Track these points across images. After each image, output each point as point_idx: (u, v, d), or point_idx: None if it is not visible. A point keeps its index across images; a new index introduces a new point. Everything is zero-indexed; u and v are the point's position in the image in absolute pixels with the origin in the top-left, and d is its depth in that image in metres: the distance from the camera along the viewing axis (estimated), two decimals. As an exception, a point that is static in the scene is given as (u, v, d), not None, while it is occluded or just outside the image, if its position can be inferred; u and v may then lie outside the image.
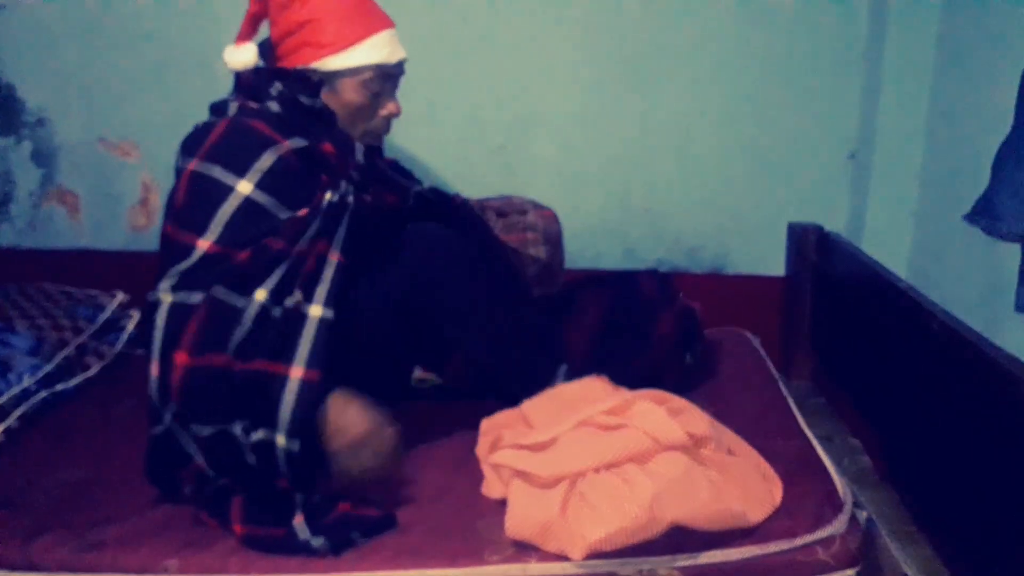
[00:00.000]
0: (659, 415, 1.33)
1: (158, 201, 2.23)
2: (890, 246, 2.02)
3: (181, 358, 1.25)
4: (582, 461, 1.29)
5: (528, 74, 2.13)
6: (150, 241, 2.24)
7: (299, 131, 1.41)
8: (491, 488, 1.39)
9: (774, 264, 2.21)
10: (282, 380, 1.26)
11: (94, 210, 2.25)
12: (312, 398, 1.26)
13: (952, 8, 1.85)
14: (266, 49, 1.48)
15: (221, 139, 1.36)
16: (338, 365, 1.31)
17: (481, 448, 1.48)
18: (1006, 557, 1.23)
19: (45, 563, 1.25)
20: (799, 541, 1.25)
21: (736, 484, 1.30)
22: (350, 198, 1.43)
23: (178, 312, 1.28)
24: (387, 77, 1.49)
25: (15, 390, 1.65)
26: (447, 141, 2.17)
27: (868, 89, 2.06)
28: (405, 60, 1.50)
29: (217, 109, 1.48)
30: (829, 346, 2.07)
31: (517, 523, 1.25)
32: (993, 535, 1.27)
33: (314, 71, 1.44)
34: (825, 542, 1.25)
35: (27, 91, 2.18)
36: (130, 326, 2.02)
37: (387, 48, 1.46)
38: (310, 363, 1.27)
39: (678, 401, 1.39)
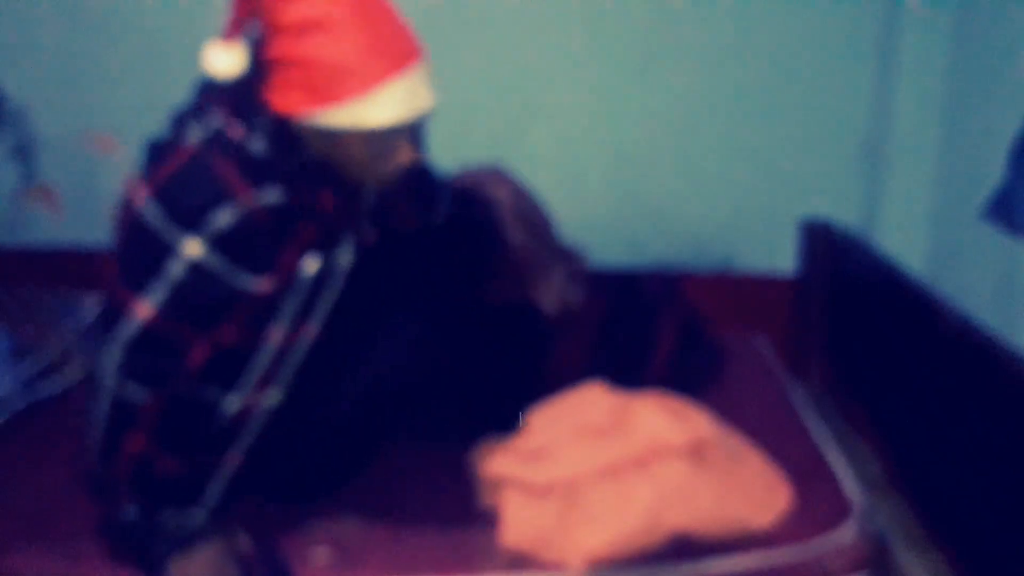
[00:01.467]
0: (660, 419, 1.33)
1: (144, 197, 2.23)
2: (904, 243, 2.01)
3: (132, 447, 1.16)
4: (580, 467, 1.29)
5: (532, 69, 2.13)
6: (136, 239, 2.25)
7: (285, 178, 1.17)
8: (486, 497, 1.39)
9: (783, 261, 2.21)
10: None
11: (77, 206, 2.25)
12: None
13: (967, 2, 1.84)
14: (257, 52, 1.17)
15: (175, 178, 1.13)
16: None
17: (475, 455, 1.48)
18: (1018, 565, 1.23)
19: (25, 572, 1.25)
20: (806, 547, 1.25)
21: (740, 489, 1.30)
22: (348, 258, 1.26)
23: (123, 409, 1.15)
24: (407, 130, 1.18)
25: (-4, 394, 1.65)
26: (447, 136, 2.16)
27: (882, 82, 2.05)
28: (431, 107, 1.19)
29: (180, 122, 1.21)
30: (841, 348, 2.06)
31: (514, 532, 1.25)
32: (1006, 543, 1.27)
33: (310, 123, 1.14)
34: (833, 547, 1.25)
35: (8, 85, 2.18)
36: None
37: (408, 99, 1.13)
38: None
39: (680, 404, 1.39)
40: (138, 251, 1.14)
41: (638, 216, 2.22)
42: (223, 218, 1.11)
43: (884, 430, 1.77)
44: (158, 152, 1.19)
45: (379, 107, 1.11)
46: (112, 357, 1.13)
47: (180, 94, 2.12)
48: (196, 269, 1.12)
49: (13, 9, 2.12)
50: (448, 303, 1.39)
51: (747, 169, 2.17)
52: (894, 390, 1.71)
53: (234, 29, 1.16)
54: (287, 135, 1.15)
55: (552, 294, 1.83)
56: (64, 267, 2.20)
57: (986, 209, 1.33)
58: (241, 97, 1.15)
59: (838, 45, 2.07)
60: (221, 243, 1.12)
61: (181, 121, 1.20)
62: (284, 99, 1.13)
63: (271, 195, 1.16)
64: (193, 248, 1.11)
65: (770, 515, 1.30)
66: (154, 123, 2.13)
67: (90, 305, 1.99)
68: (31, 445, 1.60)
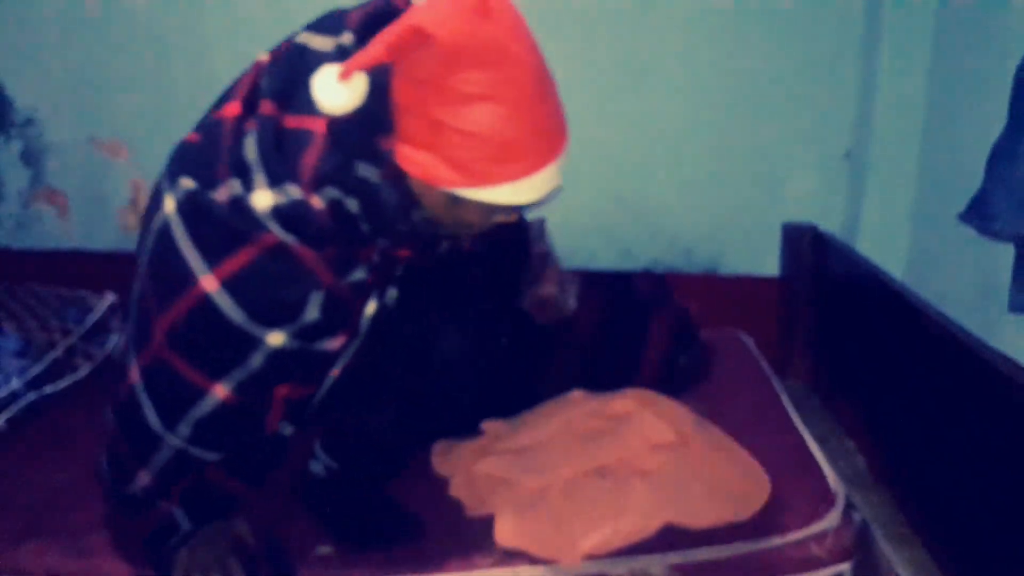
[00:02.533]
0: (646, 416, 1.33)
1: (148, 201, 2.22)
2: (885, 246, 2.02)
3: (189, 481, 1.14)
4: (571, 465, 1.29)
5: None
6: (140, 241, 2.24)
7: (366, 244, 1.05)
8: (472, 504, 1.37)
9: (769, 264, 2.21)
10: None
11: (83, 210, 2.24)
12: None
13: (947, 8, 1.85)
14: (377, 85, 0.94)
15: (252, 273, 0.98)
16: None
17: (442, 467, 1.46)
18: (1000, 559, 1.23)
19: (33, 568, 1.24)
20: (792, 536, 1.26)
21: (725, 480, 1.30)
22: (394, 294, 1.17)
23: (188, 460, 1.11)
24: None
25: (2, 392, 1.64)
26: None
27: (864, 89, 2.06)
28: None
29: (240, 169, 0.99)
30: (824, 347, 2.07)
31: (507, 531, 1.25)
32: (987, 537, 1.27)
33: (439, 190, 0.98)
34: (818, 537, 1.26)
35: (16, 90, 2.17)
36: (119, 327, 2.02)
37: (552, 180, 1.01)
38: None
39: (663, 400, 1.40)
40: (212, 337, 1.01)
41: (627, 221, 2.22)
42: (311, 312, 1.01)
43: (867, 426, 1.78)
44: (213, 222, 0.99)
45: (528, 189, 0.99)
46: (182, 430, 1.07)
47: (183, 101, 2.13)
48: (279, 354, 1.03)
49: (21, 17, 2.11)
50: (486, 312, 1.30)
51: (734, 175, 2.17)
52: (876, 387, 1.72)
53: (365, 63, 0.92)
54: (391, 216, 1.01)
55: (546, 303, 1.84)
56: (70, 269, 2.19)
57: (965, 211, 1.34)
58: (345, 143, 0.97)
59: (821, 56, 2.08)
60: (301, 333, 1.03)
61: (240, 158, 0.99)
62: (420, 167, 0.96)
63: (357, 274, 1.05)
64: (277, 340, 1.02)
65: (754, 506, 1.30)
66: (158, 130, 2.14)
67: (95, 306, 1.98)
68: (37, 443, 1.59)
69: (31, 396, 1.70)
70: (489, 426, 1.45)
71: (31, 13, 2.10)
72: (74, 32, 2.11)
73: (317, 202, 0.97)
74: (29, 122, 2.18)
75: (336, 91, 0.92)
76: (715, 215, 2.20)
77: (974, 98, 1.72)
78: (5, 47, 2.14)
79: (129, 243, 2.23)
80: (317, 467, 1.34)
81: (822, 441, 1.73)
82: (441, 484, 1.43)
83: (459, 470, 1.42)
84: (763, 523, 1.28)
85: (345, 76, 0.91)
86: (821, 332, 2.08)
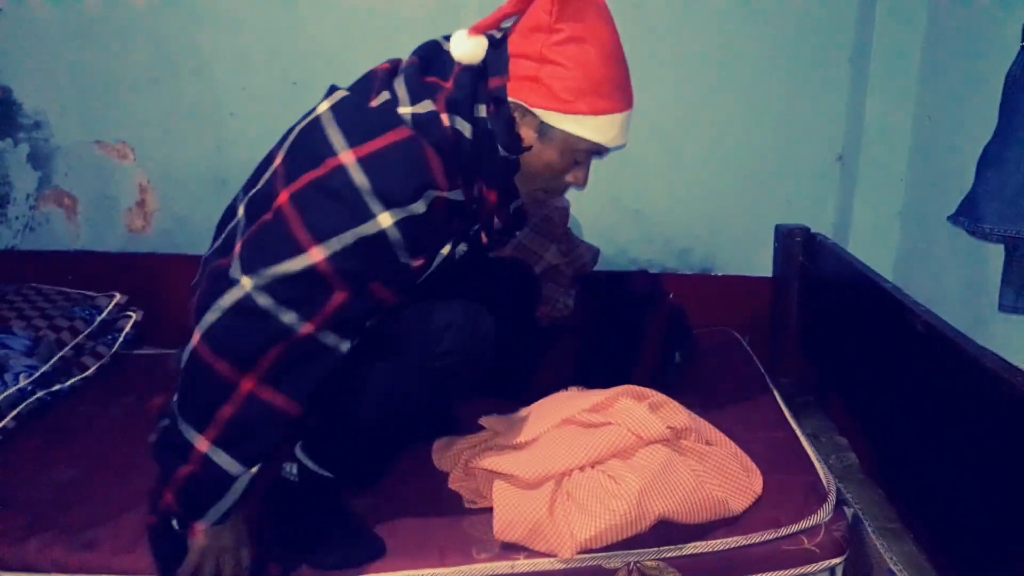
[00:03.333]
0: (640, 411, 1.32)
1: (155, 203, 2.22)
2: (876, 247, 2.02)
3: (247, 384, 1.13)
4: (567, 460, 1.28)
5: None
6: (147, 243, 2.23)
7: (468, 174, 1.22)
8: (470, 498, 1.37)
9: (762, 265, 2.21)
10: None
11: (91, 212, 2.24)
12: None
13: (938, 14, 1.85)
14: (495, 44, 1.22)
15: (388, 153, 1.14)
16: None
17: (441, 461, 1.46)
18: (989, 552, 1.23)
19: (39, 563, 1.24)
20: (784, 531, 1.25)
21: (716, 473, 1.30)
22: (464, 247, 1.30)
23: (262, 322, 1.12)
24: (597, 153, 1.27)
25: (11, 390, 1.64)
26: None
27: (855, 93, 2.05)
28: (623, 146, 1.28)
29: (390, 87, 1.21)
30: (816, 346, 2.06)
31: (505, 525, 1.25)
32: (977, 531, 1.27)
33: (533, 116, 1.20)
34: (810, 531, 1.25)
35: (24, 94, 2.17)
36: (127, 327, 2.01)
37: (618, 131, 1.23)
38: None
39: (657, 396, 1.39)
40: (332, 201, 1.13)
41: (624, 223, 2.21)
42: (420, 206, 1.15)
43: (859, 423, 1.77)
44: (374, 119, 1.17)
45: (608, 128, 1.22)
46: (264, 277, 1.11)
47: (189, 105, 2.13)
48: (380, 238, 1.13)
49: (28, 22, 2.10)
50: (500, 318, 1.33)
51: (728, 178, 2.17)
52: (867, 385, 1.72)
53: (491, 23, 1.21)
54: (496, 140, 1.20)
55: (546, 303, 1.84)
56: (78, 270, 2.18)
57: (955, 213, 1.33)
58: (473, 85, 1.19)
59: (814, 62, 2.07)
60: (407, 223, 1.14)
61: (391, 87, 1.21)
62: (527, 92, 1.18)
63: (456, 193, 1.20)
64: (386, 220, 1.13)
65: (746, 499, 1.30)
66: (164, 133, 2.15)
67: (103, 305, 1.98)
68: (45, 440, 1.59)
69: (39, 394, 1.70)
70: (487, 421, 1.45)
71: (37, 18, 2.10)
72: (80, 37, 2.10)
73: (445, 119, 1.18)
74: (37, 125, 2.18)
75: (466, 42, 1.20)
76: (710, 217, 2.20)
77: (963, 103, 1.71)
78: (12, 52, 2.13)
79: (136, 244, 2.24)
80: (291, 469, 1.31)
81: (814, 437, 1.73)
82: (440, 478, 1.42)
83: (458, 465, 1.42)
84: (756, 518, 1.28)
85: (474, 32, 1.20)
86: (813, 331, 2.07)
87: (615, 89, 1.21)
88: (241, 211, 1.23)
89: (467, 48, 1.20)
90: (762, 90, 2.10)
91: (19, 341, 1.75)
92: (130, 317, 2.03)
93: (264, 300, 1.11)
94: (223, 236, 1.27)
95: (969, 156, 1.36)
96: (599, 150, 1.25)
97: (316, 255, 1.12)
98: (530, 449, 1.32)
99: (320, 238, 1.12)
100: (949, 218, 1.36)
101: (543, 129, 1.21)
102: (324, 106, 1.20)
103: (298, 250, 1.12)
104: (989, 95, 1.38)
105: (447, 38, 1.26)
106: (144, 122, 2.16)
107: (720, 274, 2.23)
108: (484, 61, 1.20)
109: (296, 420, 1.17)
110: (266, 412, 1.13)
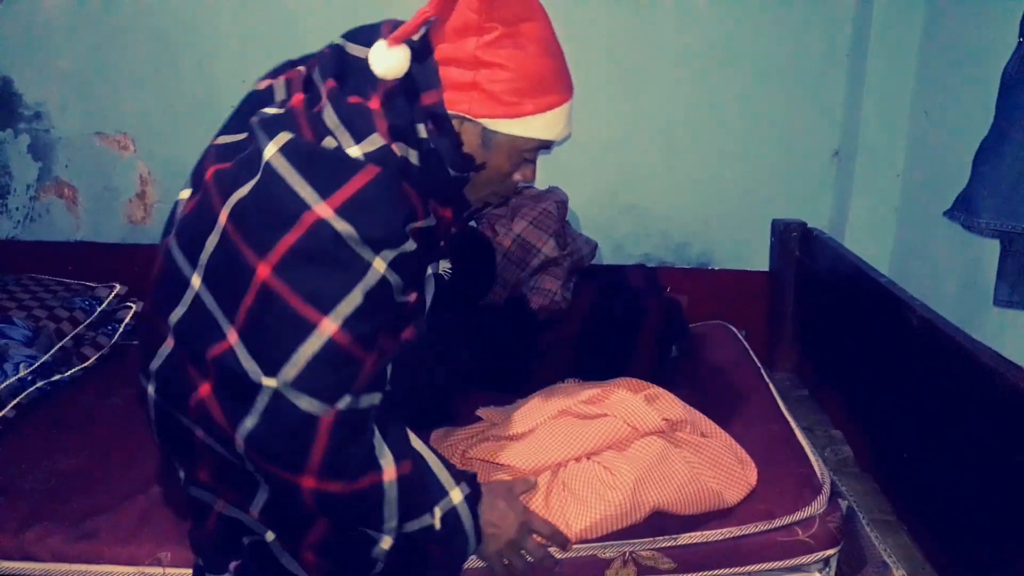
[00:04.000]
0: (636, 403, 1.32)
1: (155, 194, 2.21)
2: (872, 242, 2.01)
3: (308, 482, 1.05)
4: (563, 451, 1.28)
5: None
6: (147, 234, 2.22)
7: (430, 197, 1.14)
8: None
9: (759, 260, 2.20)
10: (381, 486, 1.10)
11: (92, 203, 2.23)
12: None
13: (935, 10, 1.84)
14: (419, 54, 1.10)
15: (363, 197, 1.03)
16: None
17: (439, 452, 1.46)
18: (981, 544, 1.23)
19: (38, 552, 1.23)
20: (778, 522, 1.25)
21: (711, 464, 1.29)
22: (438, 265, 1.26)
23: (300, 423, 1.03)
24: (545, 148, 1.21)
25: (11, 380, 1.63)
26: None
27: (852, 89, 2.05)
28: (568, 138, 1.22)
29: (318, 123, 1.08)
30: (812, 339, 2.06)
31: None
32: (970, 523, 1.27)
33: (478, 125, 1.12)
34: (804, 523, 1.25)
35: (24, 85, 2.15)
36: (127, 318, 2.00)
37: (563, 123, 1.17)
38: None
39: (653, 388, 1.39)
40: (323, 263, 1.02)
41: (621, 217, 2.21)
42: (410, 244, 1.07)
43: (853, 416, 1.77)
44: (335, 167, 1.04)
45: (555, 123, 1.15)
46: (291, 369, 1.01)
47: (189, 96, 2.12)
48: (383, 284, 1.05)
49: (29, 13, 2.09)
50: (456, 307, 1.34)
51: (725, 173, 2.17)
52: (862, 379, 1.72)
53: (410, 30, 1.08)
54: (443, 159, 1.12)
55: (543, 296, 1.84)
56: (78, 260, 2.17)
57: (951, 208, 1.33)
58: (409, 105, 1.10)
59: (811, 58, 2.07)
60: (400, 263, 1.06)
61: (321, 120, 1.08)
62: (464, 103, 1.09)
63: (429, 220, 1.13)
64: (381, 265, 1.04)
65: (740, 491, 1.30)
66: (165, 124, 2.13)
67: (103, 296, 1.97)
68: (45, 430, 1.58)
69: (39, 384, 1.69)
70: (484, 413, 1.44)
71: (38, 9, 2.09)
72: (81, 28, 2.09)
73: (396, 149, 1.07)
74: (37, 116, 2.17)
75: (387, 56, 1.07)
76: (707, 211, 2.20)
77: (960, 99, 1.71)
78: (13, 43, 2.12)
79: (137, 235, 2.23)
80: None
81: (809, 430, 1.73)
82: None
83: (455, 455, 1.41)
84: (751, 509, 1.28)
85: (393, 43, 1.07)
86: (809, 325, 2.07)
87: (556, 80, 1.14)
88: (197, 280, 1.08)
89: (390, 62, 1.07)
90: (760, 86, 2.09)
91: (19, 331, 1.74)
92: (130, 308, 2.02)
93: (297, 398, 1.02)
94: (178, 303, 1.10)
95: (966, 152, 1.36)
96: (547, 145, 1.19)
97: (329, 328, 1.01)
98: (527, 440, 1.32)
99: (326, 309, 1.02)
100: (945, 213, 1.35)
101: (487, 136, 1.13)
102: (271, 149, 1.05)
103: (308, 329, 1.01)
104: (986, 91, 1.37)
105: (348, 37, 1.15)
106: (145, 114, 2.15)
107: (717, 268, 2.23)
108: (410, 73, 1.09)
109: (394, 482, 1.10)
110: (352, 498, 1.07)
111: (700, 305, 2.05)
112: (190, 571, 1.20)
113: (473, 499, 1.16)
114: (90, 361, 1.84)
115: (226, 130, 1.20)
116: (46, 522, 1.27)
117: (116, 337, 1.95)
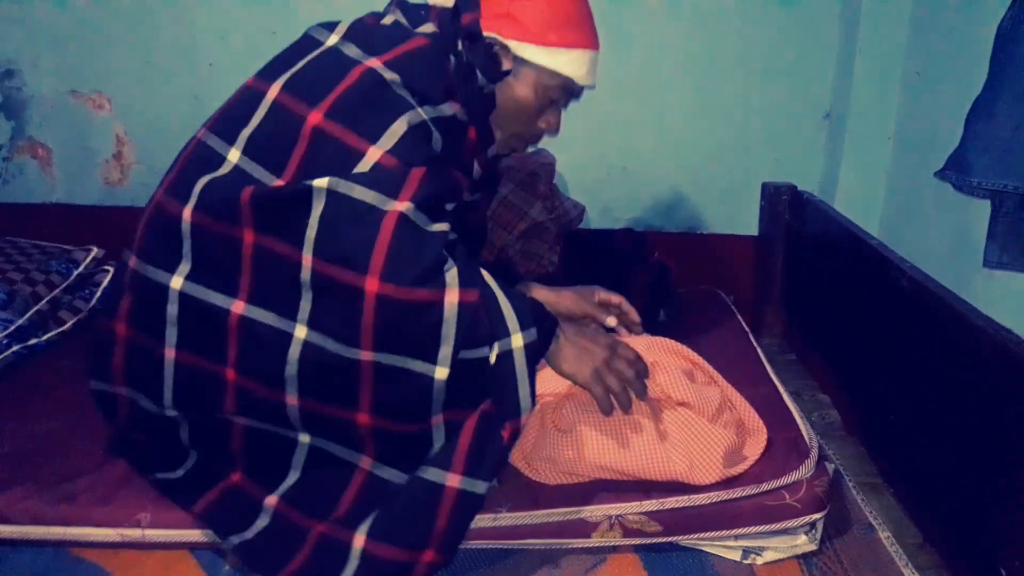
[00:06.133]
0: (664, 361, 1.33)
1: (132, 155, 2.17)
2: (862, 205, 2.01)
3: (371, 285, 1.05)
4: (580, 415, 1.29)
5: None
6: (125, 195, 2.19)
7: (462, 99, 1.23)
8: None
9: (748, 224, 2.20)
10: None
11: (67, 164, 2.19)
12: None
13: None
14: None
15: (412, 56, 1.17)
16: None
17: None
18: (966, 506, 1.24)
19: (16, 515, 1.22)
20: (766, 486, 1.25)
21: (687, 448, 1.29)
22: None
23: (362, 212, 1.06)
24: (568, 94, 1.29)
25: (-14, 344, 1.61)
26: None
27: (844, 50, 2.03)
28: (592, 87, 1.31)
29: (401, 9, 1.27)
30: (800, 304, 2.06)
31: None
32: (954, 485, 1.28)
33: (507, 50, 1.22)
34: (792, 487, 1.25)
35: (-3, 43, 2.11)
36: (105, 281, 1.97)
37: (588, 68, 1.26)
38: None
39: (668, 342, 1.40)
40: (370, 104, 1.12)
41: (609, 180, 2.19)
42: (448, 108, 1.17)
43: (841, 380, 1.78)
44: (389, 31, 1.20)
45: (580, 63, 1.23)
46: (348, 179, 1.07)
47: (166, 53, 2.08)
48: (424, 128, 1.13)
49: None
50: None
51: (715, 136, 2.15)
52: (850, 343, 1.72)
53: None
54: (473, 71, 1.21)
55: (530, 260, 1.83)
56: (53, 222, 2.14)
57: (943, 168, 1.32)
58: (444, 16, 1.22)
59: (802, 18, 2.05)
60: (439, 123, 1.16)
61: (401, 9, 1.25)
62: (497, 25, 1.20)
63: (462, 113, 1.21)
64: (423, 114, 1.13)
65: (756, 451, 1.30)
66: (142, 82, 2.09)
67: (80, 259, 1.94)
68: (22, 393, 1.56)
69: (15, 348, 1.67)
70: None
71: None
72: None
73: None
74: (9, 74, 2.12)
75: None
76: (696, 175, 2.19)
77: (953, 60, 1.70)
78: (-17, -2, 2.07)
79: (114, 197, 2.20)
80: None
81: (796, 395, 1.73)
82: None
83: None
84: (739, 473, 1.28)
85: None
86: (797, 289, 2.07)
87: (583, 24, 1.24)
88: (235, 154, 1.13)
89: None
90: (750, 47, 2.07)
91: (-6, 294, 1.72)
92: (108, 271, 1.99)
93: (352, 190, 1.07)
94: (210, 175, 1.14)
95: (958, 114, 1.35)
96: (571, 87, 1.26)
97: (375, 154, 1.09)
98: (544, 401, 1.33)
99: (373, 138, 1.10)
100: (936, 173, 1.35)
101: (516, 64, 1.22)
102: (332, 39, 1.19)
103: (358, 156, 1.09)
104: (979, 52, 1.36)
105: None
106: (121, 71, 2.11)
107: (705, 232, 2.22)
108: (455, 2, 1.22)
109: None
110: (412, 308, 1.06)
111: (688, 270, 2.04)
112: (170, 532, 1.20)
113: (538, 346, 1.14)
114: (67, 325, 1.82)
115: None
116: (24, 485, 1.26)
117: (94, 301, 1.92)
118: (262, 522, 1.15)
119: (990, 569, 1.16)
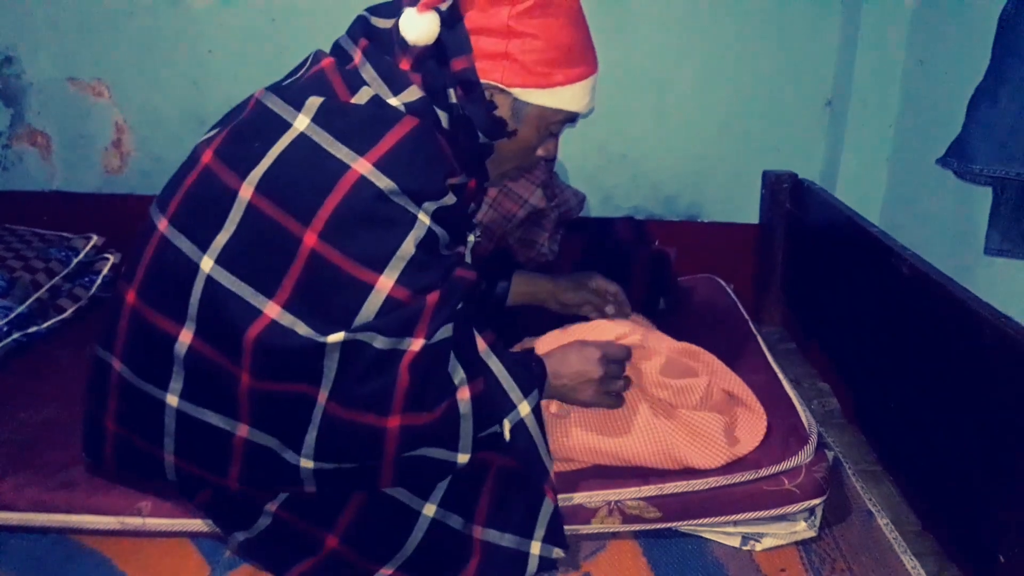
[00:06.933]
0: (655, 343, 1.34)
1: (131, 142, 2.16)
2: (864, 193, 2.00)
3: (393, 423, 1.05)
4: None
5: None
6: (124, 183, 2.19)
7: (457, 160, 1.14)
8: None
9: (749, 212, 2.19)
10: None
11: (66, 152, 2.18)
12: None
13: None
14: (448, 20, 1.10)
15: (401, 149, 1.04)
16: None
17: None
18: (965, 493, 1.24)
19: (16, 502, 1.23)
20: (765, 472, 1.25)
21: (691, 433, 1.29)
22: (473, 236, 1.27)
23: (380, 360, 1.03)
24: (568, 122, 1.23)
25: (-14, 331, 1.61)
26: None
27: (845, 37, 2.02)
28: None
29: (355, 80, 1.09)
30: (801, 292, 2.06)
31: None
32: (953, 472, 1.28)
33: (509, 96, 1.14)
34: (791, 472, 1.25)
35: (-5, 30, 2.10)
36: (105, 269, 1.98)
37: (588, 96, 1.19)
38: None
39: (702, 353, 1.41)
40: (369, 225, 1.03)
41: (610, 169, 2.19)
42: (450, 197, 1.08)
43: (841, 368, 1.78)
44: (370, 123, 1.05)
45: (583, 95, 1.17)
46: (359, 323, 1.03)
47: (165, 40, 2.07)
48: (431, 235, 1.06)
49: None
50: None
51: (716, 124, 2.14)
52: (850, 331, 1.72)
53: None
54: (472, 124, 1.13)
55: (530, 248, 1.82)
56: (53, 210, 2.14)
57: (944, 155, 1.31)
58: (438, 70, 1.10)
59: (803, 6, 2.03)
60: (441, 216, 1.08)
61: (360, 78, 1.09)
62: (495, 71, 1.11)
63: (462, 178, 1.14)
64: (426, 217, 1.05)
65: (756, 439, 1.31)
66: (141, 69, 2.08)
67: (80, 247, 1.94)
68: (22, 380, 1.57)
69: (15, 335, 1.67)
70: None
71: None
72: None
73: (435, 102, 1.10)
74: (8, 61, 2.11)
75: (418, 22, 1.07)
76: (697, 163, 2.18)
77: (955, 47, 1.69)
78: (-20, -16, 2.05)
79: (113, 185, 2.19)
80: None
81: (796, 383, 1.74)
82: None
83: None
84: (739, 458, 1.28)
85: (423, 8, 1.07)
86: (798, 277, 2.07)
87: (585, 52, 1.17)
88: (207, 263, 1.04)
89: (421, 28, 1.07)
90: (751, 34, 2.06)
91: (-6, 282, 1.72)
92: (108, 259, 2.00)
93: (372, 339, 1.02)
94: (187, 292, 1.06)
95: (960, 101, 1.34)
96: (573, 118, 1.21)
97: (385, 285, 1.02)
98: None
99: (379, 267, 1.02)
100: (938, 160, 1.34)
101: (517, 107, 1.14)
102: (303, 120, 1.05)
103: (365, 290, 1.02)
104: (981, 39, 1.35)
105: (371, 11, 1.16)
106: (120, 59, 2.10)
107: (706, 221, 2.22)
108: (439, 40, 1.09)
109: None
110: (434, 426, 1.08)
111: (689, 258, 2.04)
112: (170, 521, 1.20)
113: (539, 403, 1.19)
114: (67, 313, 1.83)
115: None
116: (24, 472, 1.26)
117: (94, 289, 1.93)
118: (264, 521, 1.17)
119: (988, 555, 1.17)
